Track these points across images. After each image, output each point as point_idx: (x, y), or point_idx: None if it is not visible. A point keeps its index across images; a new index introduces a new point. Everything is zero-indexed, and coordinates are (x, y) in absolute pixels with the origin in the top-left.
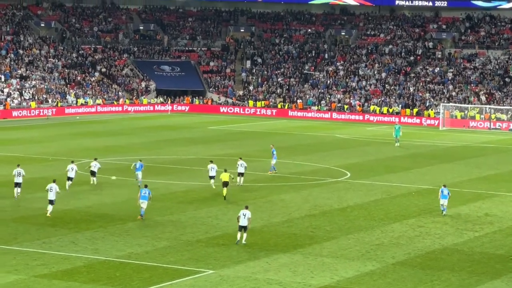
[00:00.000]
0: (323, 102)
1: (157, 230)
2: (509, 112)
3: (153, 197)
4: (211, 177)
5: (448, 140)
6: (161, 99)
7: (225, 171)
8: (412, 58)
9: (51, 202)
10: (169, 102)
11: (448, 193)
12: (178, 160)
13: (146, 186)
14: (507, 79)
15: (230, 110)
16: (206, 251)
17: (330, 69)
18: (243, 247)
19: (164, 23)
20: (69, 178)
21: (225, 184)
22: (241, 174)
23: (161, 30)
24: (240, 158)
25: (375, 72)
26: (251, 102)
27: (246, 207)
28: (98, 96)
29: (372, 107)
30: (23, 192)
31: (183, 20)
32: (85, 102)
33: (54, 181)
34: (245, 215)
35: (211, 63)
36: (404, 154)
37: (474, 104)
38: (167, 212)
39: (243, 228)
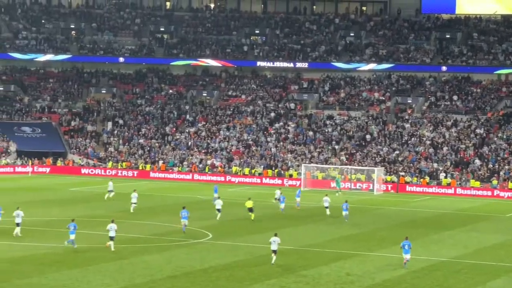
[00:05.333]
0: (184, 163)
1: None
2: (369, 172)
3: (12, 260)
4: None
5: (310, 201)
6: (22, 160)
7: (249, 199)
8: (273, 118)
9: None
10: (29, 163)
11: (409, 246)
12: (39, 221)
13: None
14: (367, 138)
15: (92, 171)
16: None
17: (192, 130)
18: None
19: (25, 84)
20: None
21: (250, 210)
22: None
23: (22, 91)
24: (112, 221)
25: (237, 133)
26: (110, 163)
27: (275, 234)
28: None
29: (234, 168)
30: None
31: (44, 81)
32: None
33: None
34: (275, 241)
35: (72, 124)
36: (266, 214)
37: (335, 164)
38: (26, 275)
39: (274, 252)
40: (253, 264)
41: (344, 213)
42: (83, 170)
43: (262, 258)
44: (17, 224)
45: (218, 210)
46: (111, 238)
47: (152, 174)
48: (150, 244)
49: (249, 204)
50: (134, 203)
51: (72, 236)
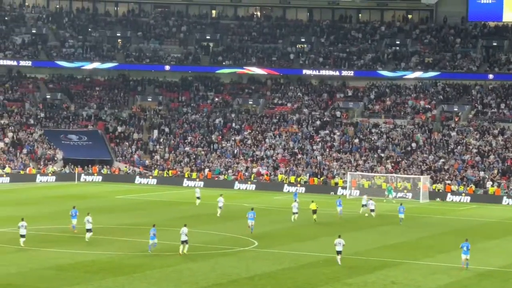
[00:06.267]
0: (230, 171)
1: None
2: (414, 180)
3: (59, 267)
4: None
5: (355, 209)
6: (69, 168)
7: (312, 201)
8: (319, 126)
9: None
10: (76, 171)
11: (468, 247)
12: (85, 229)
13: None
14: (413, 146)
15: (137, 179)
16: None
17: (238, 138)
18: None
19: (71, 92)
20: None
21: (314, 212)
22: (184, 242)
23: (68, 99)
24: (185, 225)
25: (283, 141)
26: (155, 171)
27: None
28: (5, 165)
29: (280, 176)
30: None
31: (90, 89)
32: None
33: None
34: (339, 243)
35: (118, 132)
36: (311, 223)
37: (381, 172)
38: (73, 283)
39: (338, 253)
40: (298, 272)
41: (401, 215)
42: (129, 178)
43: (308, 266)
44: (88, 230)
45: (295, 213)
46: (183, 242)
47: (198, 183)
48: (196, 251)
49: (313, 206)
50: (220, 207)
51: (152, 241)
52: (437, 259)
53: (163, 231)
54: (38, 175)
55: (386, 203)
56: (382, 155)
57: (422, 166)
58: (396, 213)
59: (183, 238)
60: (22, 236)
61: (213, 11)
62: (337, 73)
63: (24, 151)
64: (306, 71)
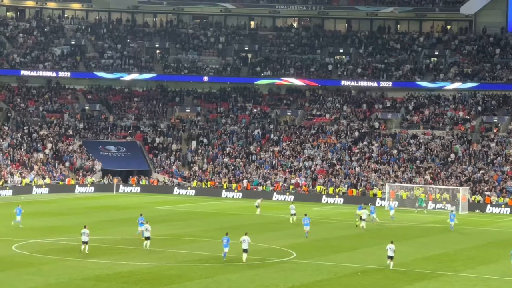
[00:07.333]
0: (268, 182)
1: None
2: (454, 191)
3: (98, 278)
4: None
5: (395, 220)
6: (107, 179)
7: (364, 208)
8: (357, 137)
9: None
10: (115, 182)
11: None
12: (124, 240)
13: None
14: (452, 157)
15: (176, 190)
16: None
17: (276, 149)
18: None
19: (110, 103)
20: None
21: (361, 218)
22: (245, 251)
23: (107, 110)
24: (245, 234)
25: (321, 152)
26: (194, 182)
27: (391, 242)
28: (44, 176)
29: (318, 187)
30: None
31: (129, 100)
32: (30, 182)
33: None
34: (390, 248)
35: (157, 143)
36: (350, 234)
37: (419, 184)
38: None
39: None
40: (336, 284)
41: (451, 223)
42: (168, 189)
43: (346, 277)
44: (147, 238)
45: (361, 219)
46: (245, 251)
47: (236, 193)
48: (234, 262)
49: (362, 214)
50: (293, 214)
51: (226, 249)
52: (478, 270)
53: (202, 242)
54: (76, 186)
55: (418, 214)
56: (421, 166)
57: (461, 177)
58: (437, 224)
59: (245, 246)
60: (85, 242)
61: (252, 22)
62: (376, 84)
63: (67, 164)
64: (344, 82)
